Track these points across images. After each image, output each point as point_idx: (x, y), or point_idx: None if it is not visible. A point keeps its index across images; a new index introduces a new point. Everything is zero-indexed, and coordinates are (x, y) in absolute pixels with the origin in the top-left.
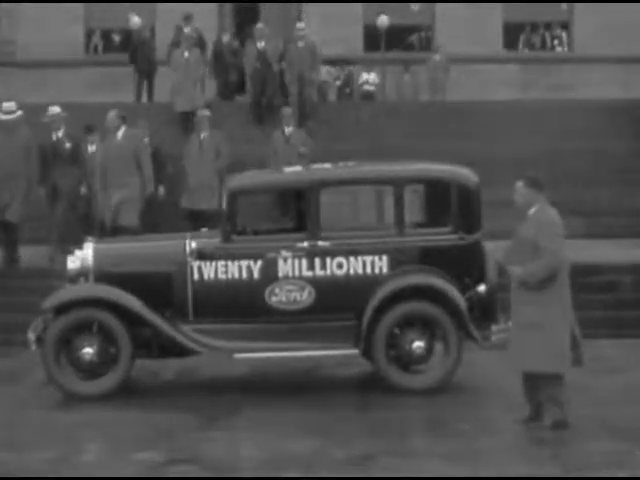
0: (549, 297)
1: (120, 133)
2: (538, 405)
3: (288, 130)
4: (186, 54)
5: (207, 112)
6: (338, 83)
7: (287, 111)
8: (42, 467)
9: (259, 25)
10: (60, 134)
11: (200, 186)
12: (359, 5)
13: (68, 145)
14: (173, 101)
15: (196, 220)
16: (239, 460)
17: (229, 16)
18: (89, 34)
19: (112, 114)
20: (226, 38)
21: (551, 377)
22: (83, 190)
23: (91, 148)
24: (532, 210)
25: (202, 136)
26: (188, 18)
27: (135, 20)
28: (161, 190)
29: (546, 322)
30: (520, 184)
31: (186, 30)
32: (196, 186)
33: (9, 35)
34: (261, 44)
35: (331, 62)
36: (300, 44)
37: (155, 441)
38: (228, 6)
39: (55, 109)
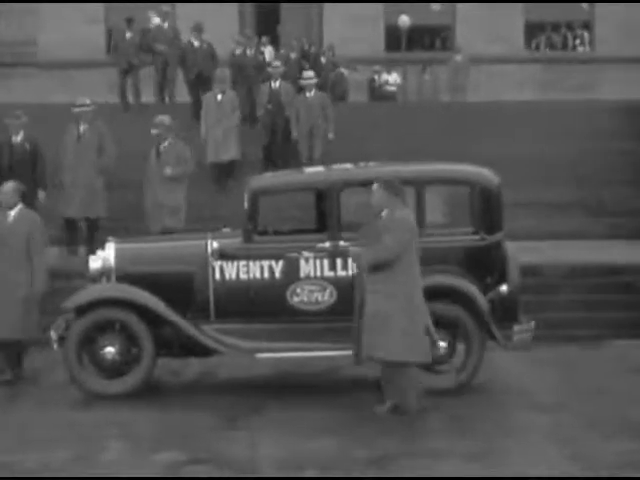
0: (393, 289)
1: (13, 213)
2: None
3: (163, 146)
4: (219, 97)
5: (88, 101)
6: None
7: (162, 120)
8: (63, 466)
9: (275, 62)
10: None
11: (78, 189)
12: (380, 5)
13: None
14: (205, 150)
15: (74, 230)
16: (259, 460)
17: (250, 18)
18: (109, 34)
19: (9, 187)
20: (240, 49)
21: (398, 365)
22: None
23: (15, 138)
24: (385, 212)
25: (81, 129)
26: (198, 29)
27: (155, 20)
28: (41, 195)
29: (390, 313)
30: (376, 186)
31: (196, 43)
32: (73, 189)
33: (30, 35)
34: (275, 84)
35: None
36: (309, 94)
37: (176, 441)
38: (248, 6)
39: None
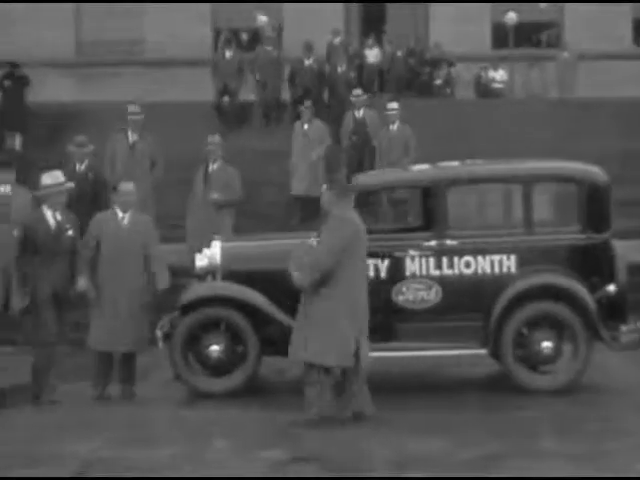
0: (332, 294)
1: (128, 216)
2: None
3: (212, 167)
4: (305, 126)
5: (138, 108)
6: (439, 82)
7: (214, 139)
8: (169, 463)
9: (356, 91)
10: None
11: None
12: (487, 3)
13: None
14: (290, 181)
15: None
16: (363, 460)
17: (355, 17)
18: (217, 33)
19: (131, 187)
20: (337, 39)
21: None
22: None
23: (79, 167)
24: (332, 214)
25: (131, 139)
26: (309, 48)
27: (262, 19)
28: None
29: (328, 317)
30: (324, 188)
31: (307, 62)
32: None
33: (137, 35)
34: (359, 113)
35: (433, 62)
36: (392, 127)
37: (281, 439)
38: (354, 6)
39: None
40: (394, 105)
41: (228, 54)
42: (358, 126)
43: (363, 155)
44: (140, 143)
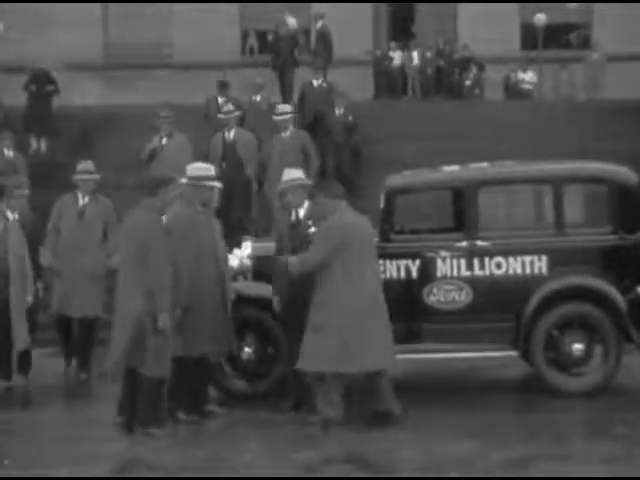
0: (329, 300)
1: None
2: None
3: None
4: (164, 141)
5: (91, 167)
6: (468, 83)
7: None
8: (201, 465)
9: (227, 107)
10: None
11: (74, 283)
12: (515, 4)
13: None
14: None
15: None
16: (397, 460)
17: (384, 18)
18: (245, 35)
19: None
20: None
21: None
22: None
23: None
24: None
25: (80, 203)
26: (317, 67)
27: (291, 21)
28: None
29: (330, 323)
30: (322, 196)
31: (315, 82)
32: (68, 282)
33: (165, 37)
34: (229, 134)
35: (462, 63)
36: (284, 135)
37: (312, 441)
38: (383, 7)
39: None
40: (286, 108)
41: (221, 100)
42: (228, 150)
43: (234, 183)
44: (91, 208)
